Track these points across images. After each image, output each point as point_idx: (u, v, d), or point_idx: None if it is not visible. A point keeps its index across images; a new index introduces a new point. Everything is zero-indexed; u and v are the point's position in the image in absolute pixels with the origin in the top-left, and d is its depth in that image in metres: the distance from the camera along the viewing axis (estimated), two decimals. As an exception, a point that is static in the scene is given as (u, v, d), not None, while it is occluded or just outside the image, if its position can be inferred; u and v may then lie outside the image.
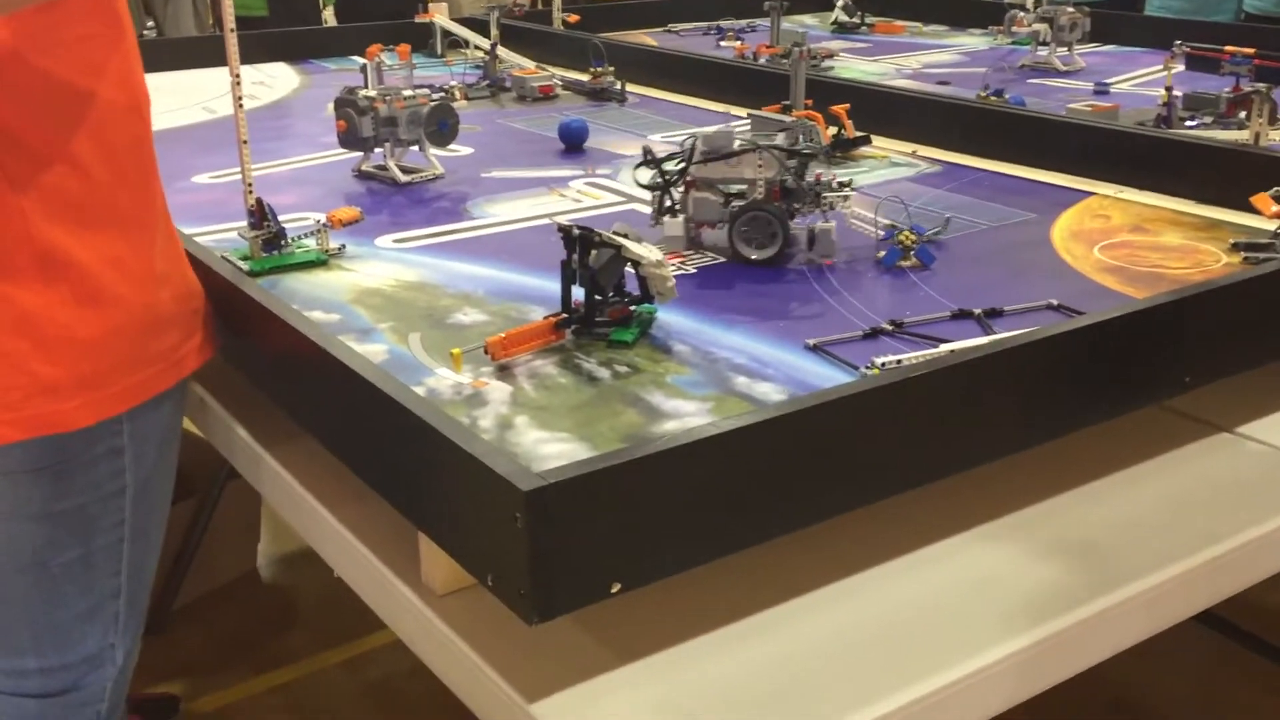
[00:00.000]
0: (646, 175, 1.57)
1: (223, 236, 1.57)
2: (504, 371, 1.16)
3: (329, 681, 2.22)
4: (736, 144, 1.49)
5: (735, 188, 1.50)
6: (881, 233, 1.51)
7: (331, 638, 2.32)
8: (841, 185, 1.52)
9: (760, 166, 1.48)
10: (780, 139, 1.53)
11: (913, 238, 1.45)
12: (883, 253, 1.45)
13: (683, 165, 1.52)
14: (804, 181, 1.50)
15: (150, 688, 2.13)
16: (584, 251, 1.24)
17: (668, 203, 1.55)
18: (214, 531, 2.33)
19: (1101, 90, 2.53)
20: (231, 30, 1.31)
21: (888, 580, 0.99)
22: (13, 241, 1.04)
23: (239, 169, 1.42)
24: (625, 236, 1.25)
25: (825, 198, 1.50)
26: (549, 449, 1.00)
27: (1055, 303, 1.30)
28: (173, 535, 2.26)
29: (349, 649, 2.30)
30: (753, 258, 1.47)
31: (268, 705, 2.16)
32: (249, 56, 2.69)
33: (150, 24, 4.63)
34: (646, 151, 1.54)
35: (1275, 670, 1.57)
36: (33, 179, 1.04)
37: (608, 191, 1.84)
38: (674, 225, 1.53)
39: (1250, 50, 2.10)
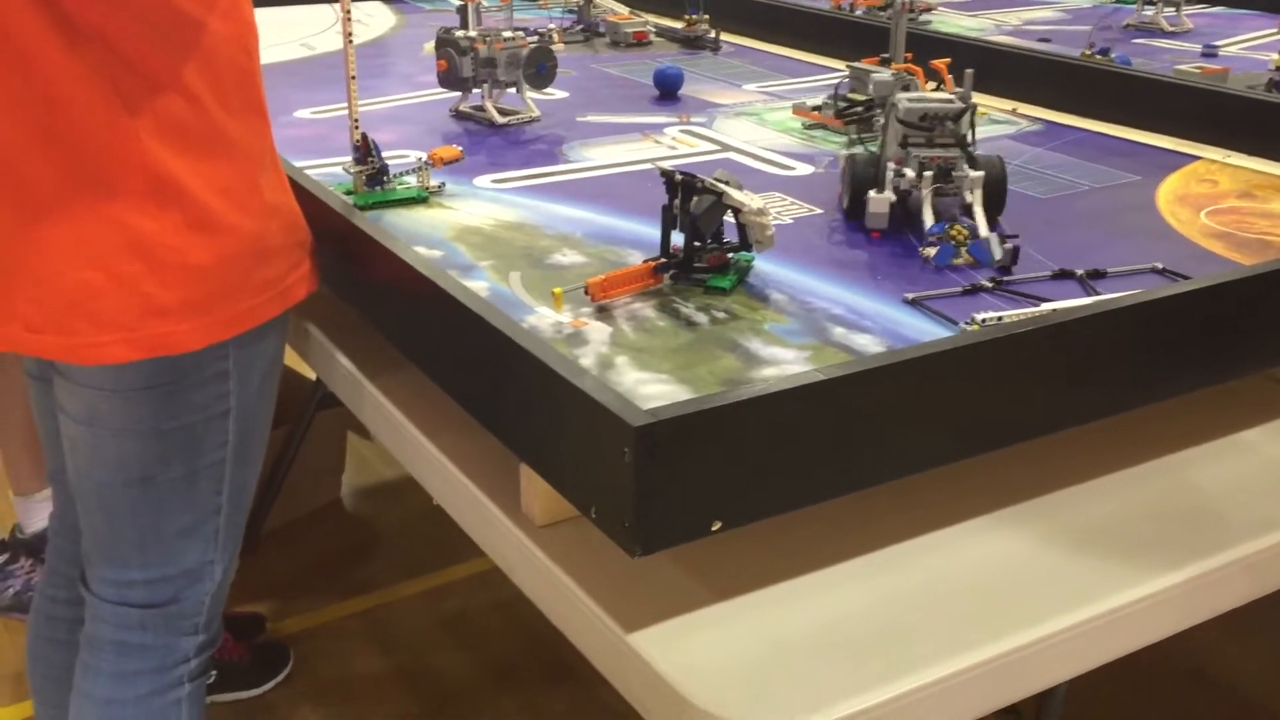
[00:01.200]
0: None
1: (325, 171, 1.60)
2: (603, 313, 1.17)
3: (408, 610, 2.27)
4: (900, 104, 1.42)
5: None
6: (930, 228, 1.33)
7: (412, 568, 2.37)
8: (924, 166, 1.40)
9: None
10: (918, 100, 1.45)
11: (965, 232, 1.30)
12: (932, 250, 1.30)
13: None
14: (919, 151, 1.41)
15: (237, 606, 2.21)
16: (685, 197, 1.25)
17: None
18: (302, 460, 2.39)
19: (1210, 53, 2.46)
20: (345, -34, 1.33)
21: (985, 533, 1.00)
22: (127, 166, 1.08)
23: (340, 104, 1.44)
24: (726, 184, 1.25)
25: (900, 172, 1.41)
26: (650, 389, 1.01)
27: (1160, 266, 1.29)
28: (264, 462, 2.33)
29: (428, 580, 2.35)
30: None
31: (348, 629, 2.22)
32: (347, -6, 2.71)
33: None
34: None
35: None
36: (146, 105, 1.07)
37: (702, 139, 1.84)
38: (879, 200, 1.40)
39: (1373, 14, 2.03)
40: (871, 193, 1.41)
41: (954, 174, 1.40)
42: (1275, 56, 2.06)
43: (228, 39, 1.13)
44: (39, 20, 1.03)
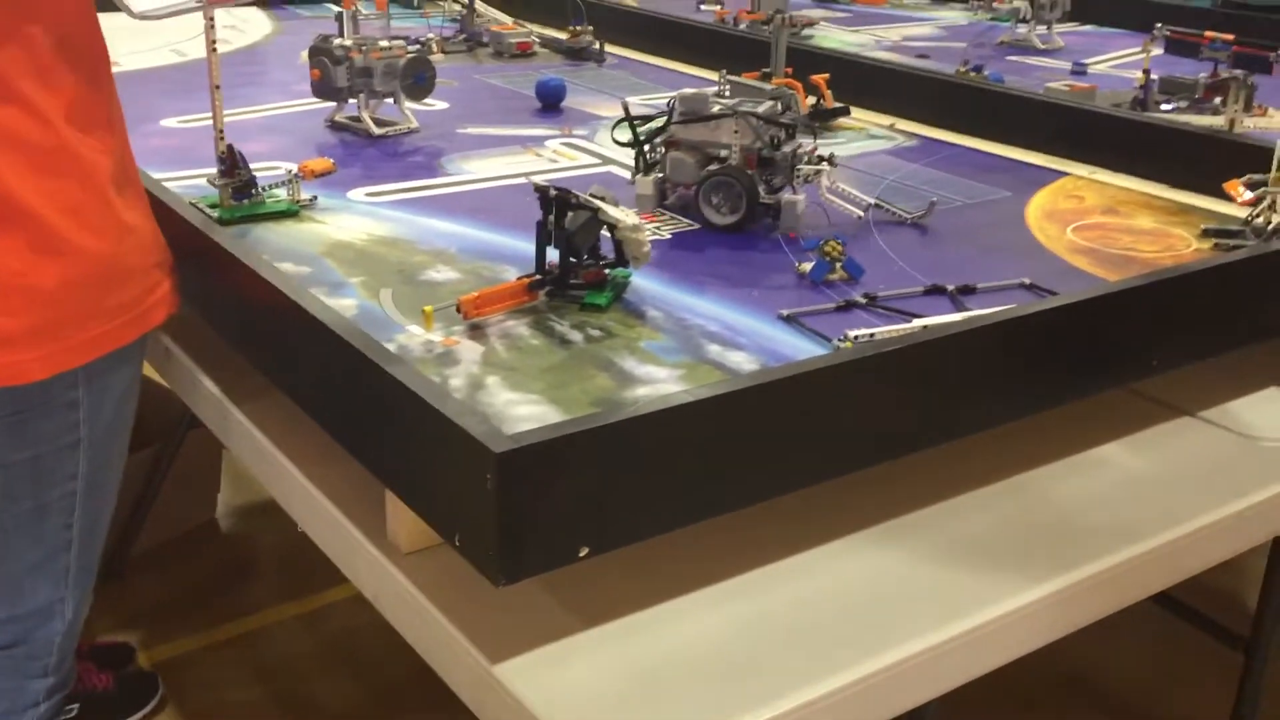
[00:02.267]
0: (626, 134, 1.56)
1: (190, 183, 1.54)
2: (476, 331, 1.15)
3: (286, 634, 2.21)
4: (715, 109, 1.48)
5: (723, 153, 1.49)
6: (803, 242, 1.37)
7: (290, 590, 2.30)
8: (821, 159, 1.51)
9: (736, 133, 1.47)
10: (764, 108, 1.52)
11: (839, 248, 1.32)
12: (808, 265, 1.32)
13: (661, 124, 1.51)
14: (779, 153, 1.49)
15: (106, 635, 2.11)
16: (560, 213, 1.23)
17: (645, 161, 1.54)
18: (174, 480, 2.31)
19: (1079, 70, 2.53)
20: (207, -27, 1.28)
21: (852, 552, 1.00)
22: None
23: (209, 114, 1.39)
24: (602, 199, 1.24)
25: (800, 170, 1.49)
26: (520, 410, 0.99)
27: (1028, 282, 1.31)
28: (132, 482, 2.24)
29: (307, 602, 2.28)
30: (716, 222, 1.47)
31: (224, 656, 2.14)
32: (221, -1, 2.64)
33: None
34: (625, 108, 1.52)
35: (1222, 650, 1.60)
36: None
37: (584, 152, 1.83)
38: (645, 184, 1.53)
39: (1230, 36, 2.11)
40: (785, 196, 1.46)
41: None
42: (1139, 75, 2.12)
43: (77, 51, 1.08)
44: None
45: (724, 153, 1.48)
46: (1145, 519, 1.06)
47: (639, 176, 1.54)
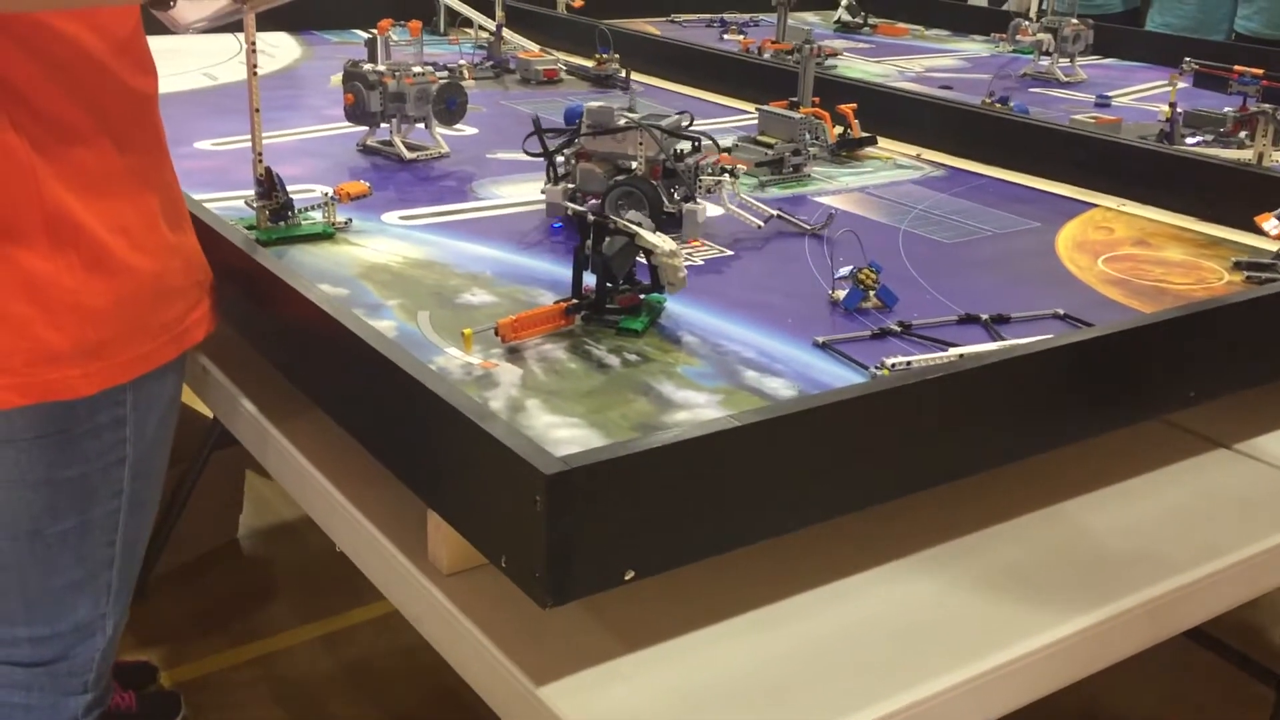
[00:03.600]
0: (536, 146, 1.61)
1: (226, 204, 1.56)
2: (513, 354, 1.16)
3: (305, 657, 2.20)
4: (621, 121, 1.53)
5: (631, 164, 1.53)
6: (840, 271, 1.36)
7: (311, 613, 2.30)
8: (724, 171, 1.56)
9: (641, 145, 1.51)
10: (667, 121, 1.57)
11: (873, 276, 1.32)
12: (841, 293, 1.32)
13: (568, 137, 1.57)
14: (682, 164, 1.53)
15: (127, 655, 2.12)
16: (598, 238, 1.24)
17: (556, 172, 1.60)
18: (196, 501, 2.31)
19: (1103, 103, 2.54)
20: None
21: (894, 580, 1.00)
22: (23, 204, 1.03)
23: (243, 136, 1.41)
24: (639, 225, 1.25)
25: (702, 181, 1.55)
26: (561, 434, 1.00)
27: (1062, 312, 1.31)
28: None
29: (327, 624, 2.28)
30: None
31: (244, 677, 2.15)
32: (251, 24, 2.67)
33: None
34: (536, 122, 1.59)
35: (1242, 679, 1.59)
36: (43, 141, 1.03)
37: (613, 179, 1.83)
38: (554, 192, 1.58)
39: (1259, 71, 2.12)
40: (688, 205, 1.50)
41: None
42: (1164, 108, 2.13)
43: (128, 74, 1.10)
44: None
45: (631, 164, 1.52)
46: (1183, 552, 1.06)
47: (548, 186, 1.59)
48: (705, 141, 1.59)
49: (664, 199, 1.49)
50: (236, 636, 2.23)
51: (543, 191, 1.62)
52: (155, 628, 2.20)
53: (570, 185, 1.57)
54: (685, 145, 1.58)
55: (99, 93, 1.06)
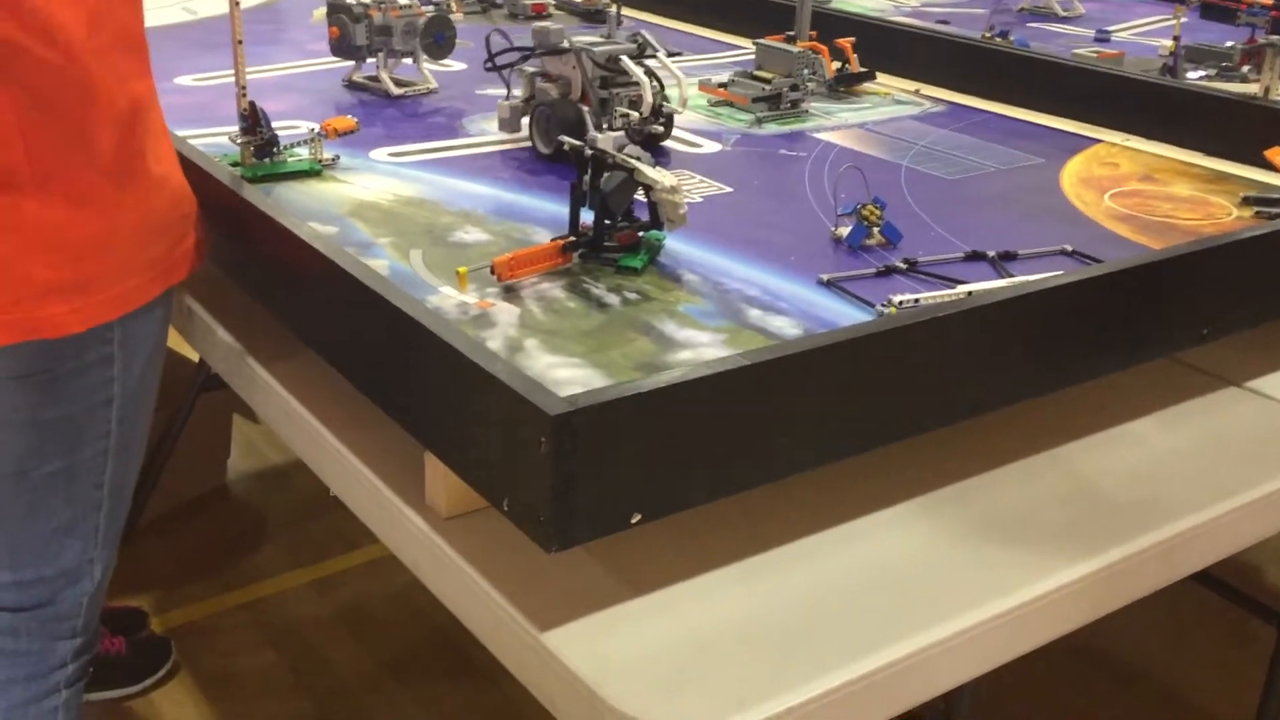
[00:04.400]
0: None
1: (209, 141, 1.51)
2: (510, 293, 1.12)
3: (298, 600, 2.19)
4: (564, 44, 1.52)
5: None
6: (840, 207, 1.32)
7: (301, 557, 2.29)
8: (634, 109, 1.52)
9: (573, 68, 1.51)
10: (604, 49, 1.52)
11: (877, 212, 1.28)
12: (845, 230, 1.28)
13: (522, 56, 1.57)
14: (606, 93, 1.51)
15: (116, 600, 2.10)
16: (595, 173, 1.20)
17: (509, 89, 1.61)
18: (184, 445, 2.29)
19: (1103, 38, 2.50)
20: (231, -77, 1.25)
21: (900, 523, 0.98)
22: (3, 140, 0.99)
23: (225, 71, 1.36)
24: (638, 160, 1.21)
25: (617, 111, 1.52)
26: (562, 374, 0.97)
27: (1070, 249, 1.28)
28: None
29: (318, 569, 2.27)
30: (540, 150, 1.54)
31: (236, 621, 2.13)
32: (230, -43, 2.59)
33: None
34: (487, 40, 1.60)
35: (1245, 619, 1.58)
36: (24, 77, 0.98)
37: (607, 115, 1.79)
38: (504, 107, 1.60)
39: (1269, 0, 2.07)
40: (593, 133, 1.47)
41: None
42: (1167, 43, 2.09)
43: (108, 2, 1.05)
44: None
45: (571, 89, 1.51)
46: (1194, 492, 1.04)
47: (501, 101, 1.60)
48: (643, 77, 1.52)
49: (588, 124, 1.49)
50: (227, 581, 2.22)
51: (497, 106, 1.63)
52: (144, 573, 2.18)
53: (522, 100, 1.59)
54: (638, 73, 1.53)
55: (81, 20, 1.02)
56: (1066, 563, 0.94)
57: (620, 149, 1.22)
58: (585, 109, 1.51)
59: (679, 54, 1.65)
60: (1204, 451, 1.11)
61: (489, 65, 1.58)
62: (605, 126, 1.50)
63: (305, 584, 2.24)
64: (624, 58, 1.51)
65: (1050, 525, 0.99)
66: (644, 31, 1.58)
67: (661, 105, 1.55)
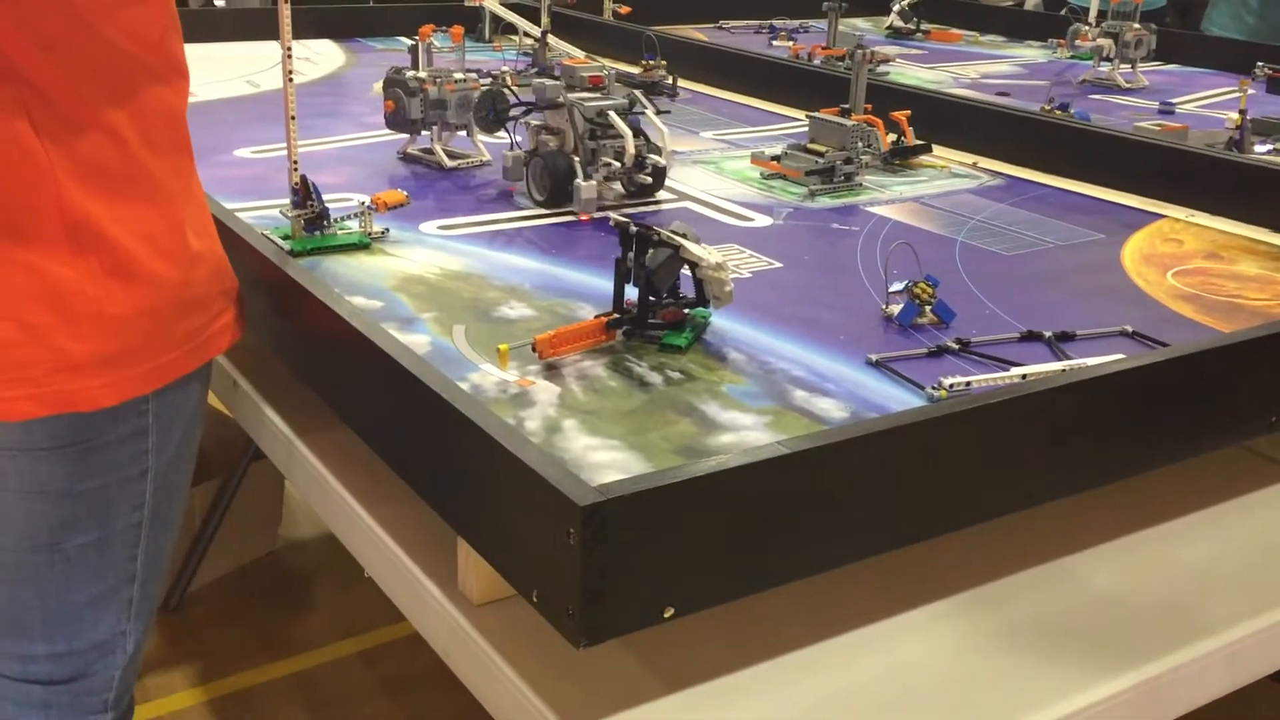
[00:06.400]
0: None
1: (263, 214, 1.52)
2: (551, 371, 1.10)
3: (344, 671, 2.17)
4: (560, 99, 1.63)
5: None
6: (893, 285, 1.29)
7: (349, 627, 2.27)
8: (617, 158, 1.62)
9: (568, 121, 1.61)
10: (594, 103, 1.63)
11: (930, 290, 1.25)
12: (896, 307, 1.26)
13: (524, 110, 1.70)
14: (601, 144, 1.61)
15: (163, 669, 2.09)
16: (640, 250, 1.19)
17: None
18: (235, 513, 2.29)
19: (1167, 110, 2.46)
20: (286, 1, 1.26)
21: (949, 620, 0.94)
22: (45, 209, 0.99)
23: (283, 144, 1.37)
24: (684, 236, 1.19)
25: (602, 161, 1.61)
26: (600, 456, 0.94)
27: (1130, 330, 1.24)
28: (193, 515, 2.23)
29: (366, 639, 2.25)
30: (534, 198, 1.63)
31: (281, 692, 2.12)
32: (295, 31, 2.64)
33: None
34: (488, 93, 1.75)
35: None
36: (67, 144, 0.99)
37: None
38: (509, 157, 1.68)
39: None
40: (579, 180, 1.59)
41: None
42: (1234, 116, 2.04)
43: (158, 78, 1.06)
44: None
45: (565, 141, 1.60)
46: (1258, 592, 0.98)
47: (506, 152, 1.69)
48: (625, 129, 1.62)
49: (578, 173, 1.60)
50: (274, 650, 2.21)
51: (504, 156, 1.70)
52: (192, 640, 2.18)
53: (526, 152, 1.66)
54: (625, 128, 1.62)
55: (126, 96, 1.03)
56: (1122, 666, 0.89)
57: (667, 226, 1.20)
58: (576, 159, 1.61)
59: (667, 112, 1.77)
60: (1273, 546, 1.05)
61: (493, 118, 1.71)
62: (592, 175, 1.61)
63: (351, 655, 2.22)
64: (611, 113, 1.62)
65: (1104, 624, 0.94)
66: (637, 92, 1.69)
67: (645, 158, 1.64)
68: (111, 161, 1.02)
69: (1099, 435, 1.01)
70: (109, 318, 1.02)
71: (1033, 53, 3.23)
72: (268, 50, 2.69)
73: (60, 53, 0.98)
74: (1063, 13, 3.13)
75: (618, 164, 1.62)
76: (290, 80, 1.32)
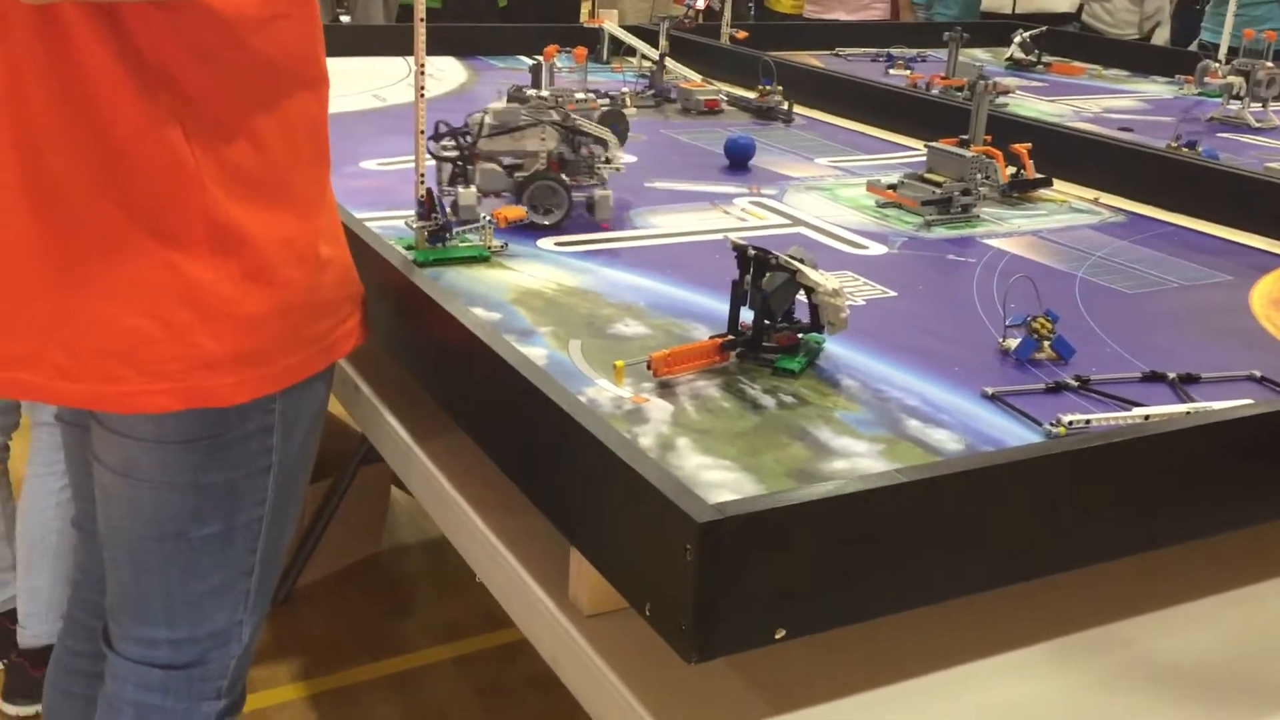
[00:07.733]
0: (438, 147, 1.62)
1: (386, 224, 1.56)
2: (665, 389, 1.12)
3: (440, 677, 2.20)
4: (520, 119, 1.61)
5: (517, 160, 1.62)
6: (1010, 318, 1.29)
7: (448, 633, 2.31)
8: (610, 160, 1.66)
9: (543, 139, 1.60)
10: (560, 116, 1.64)
11: (1049, 326, 1.24)
12: (1013, 341, 1.25)
13: (472, 139, 1.61)
14: (579, 154, 1.63)
15: (265, 663, 2.15)
16: (758, 273, 1.20)
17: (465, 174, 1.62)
18: (343, 514, 2.34)
19: (1299, 150, 2.38)
20: (421, 20, 1.30)
21: (1060, 660, 0.92)
22: (190, 213, 1.04)
23: (407, 157, 1.41)
24: (801, 261, 1.20)
25: (598, 169, 1.65)
26: (712, 476, 0.95)
27: (1259, 374, 1.21)
28: (303, 513, 2.28)
29: (463, 645, 2.28)
30: (543, 223, 1.60)
31: (378, 692, 2.15)
32: (420, 48, 2.72)
33: (343, 14, 4.69)
34: (437, 125, 1.63)
35: None
36: (215, 151, 1.04)
37: (772, 212, 1.79)
38: (467, 195, 1.55)
39: None
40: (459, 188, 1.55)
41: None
42: (1371, 159, 1.98)
43: (302, 88, 1.10)
44: (110, 57, 1.00)
45: (537, 160, 1.61)
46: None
47: (461, 189, 1.56)
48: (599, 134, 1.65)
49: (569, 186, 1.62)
50: (373, 651, 2.25)
51: (448, 193, 1.60)
52: (293, 637, 2.23)
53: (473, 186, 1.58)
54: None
55: (272, 105, 1.07)
56: (1250, 715, 0.86)
57: (785, 250, 1.21)
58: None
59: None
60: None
61: (442, 157, 1.60)
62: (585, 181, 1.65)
63: (449, 659, 2.25)
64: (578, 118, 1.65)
65: (1232, 671, 0.91)
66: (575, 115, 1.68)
67: (597, 167, 1.67)
68: (255, 168, 1.07)
69: (1224, 481, 0.98)
70: (244, 318, 1.07)
71: (1157, 88, 3.16)
72: (392, 66, 2.77)
73: (214, 63, 1.02)
74: (1191, 48, 3.06)
75: (610, 166, 1.68)
76: (422, 96, 1.36)
